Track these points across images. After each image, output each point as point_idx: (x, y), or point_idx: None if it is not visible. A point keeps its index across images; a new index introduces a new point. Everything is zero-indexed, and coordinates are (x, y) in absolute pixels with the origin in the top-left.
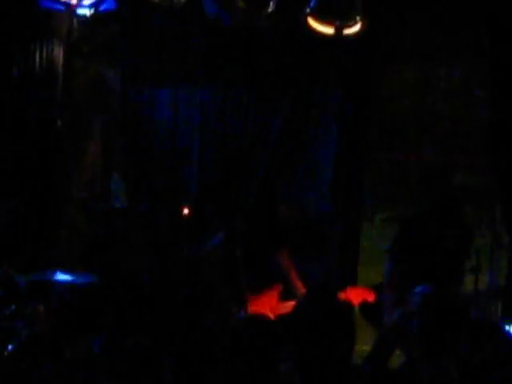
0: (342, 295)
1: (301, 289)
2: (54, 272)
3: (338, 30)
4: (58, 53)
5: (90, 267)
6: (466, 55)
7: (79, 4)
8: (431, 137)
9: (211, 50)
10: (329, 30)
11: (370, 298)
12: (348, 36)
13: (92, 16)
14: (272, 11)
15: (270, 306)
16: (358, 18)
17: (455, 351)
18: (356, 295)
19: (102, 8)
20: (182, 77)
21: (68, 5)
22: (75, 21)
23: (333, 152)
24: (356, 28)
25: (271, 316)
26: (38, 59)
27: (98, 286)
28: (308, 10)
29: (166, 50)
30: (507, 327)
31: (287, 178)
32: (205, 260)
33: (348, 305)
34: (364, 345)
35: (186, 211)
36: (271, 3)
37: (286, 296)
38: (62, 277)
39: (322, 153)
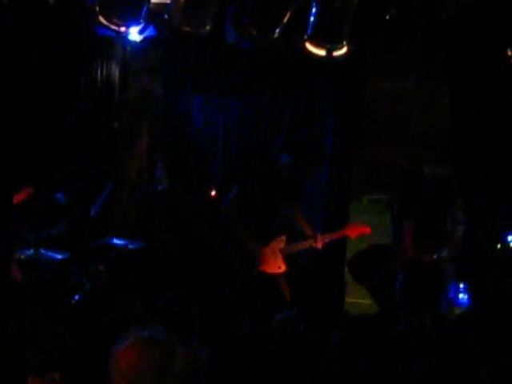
0: (341, 232)
1: (308, 232)
2: (112, 238)
3: (329, 53)
4: (115, 70)
5: (139, 235)
6: (434, 71)
7: (127, 32)
8: (406, 136)
9: (233, 67)
10: (321, 52)
11: (367, 231)
12: (337, 57)
13: (140, 41)
14: (277, 37)
15: (279, 248)
16: (344, 42)
17: (431, 304)
18: (353, 230)
19: (145, 35)
20: (211, 88)
21: (118, 32)
22: (128, 45)
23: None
24: (343, 50)
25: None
26: (99, 75)
27: (146, 250)
28: (305, 36)
29: (198, 67)
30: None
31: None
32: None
33: None
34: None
35: (213, 193)
36: (277, 31)
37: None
38: (117, 242)
39: None
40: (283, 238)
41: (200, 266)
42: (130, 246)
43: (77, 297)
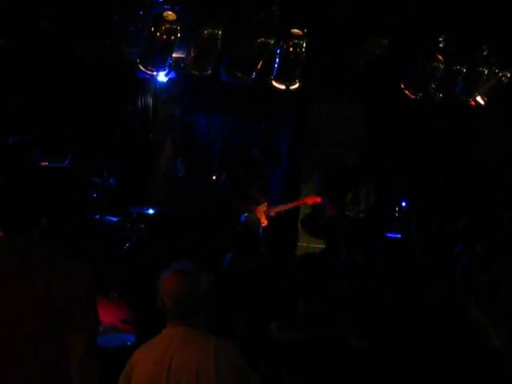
0: (300, 201)
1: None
2: (149, 208)
3: (287, 87)
4: (150, 100)
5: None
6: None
7: (157, 75)
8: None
9: (226, 98)
10: (282, 87)
11: (319, 199)
12: (292, 89)
13: (166, 81)
14: (254, 77)
15: (263, 210)
16: (297, 80)
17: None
18: (310, 200)
19: (169, 76)
20: (211, 111)
21: (151, 75)
22: (157, 83)
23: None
24: (296, 85)
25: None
26: (139, 103)
27: (171, 214)
28: (272, 77)
29: (203, 97)
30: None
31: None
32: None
33: None
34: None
35: (214, 177)
36: (253, 74)
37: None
38: (152, 210)
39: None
40: (265, 204)
41: (207, 220)
42: (161, 213)
43: (127, 244)
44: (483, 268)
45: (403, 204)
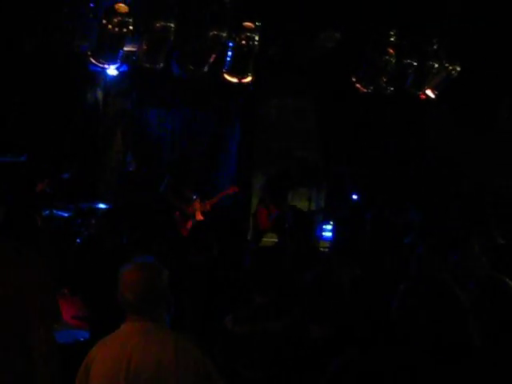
0: (224, 192)
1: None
2: (99, 203)
3: (239, 80)
4: (100, 94)
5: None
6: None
7: (108, 68)
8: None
9: (177, 91)
10: (234, 80)
11: (235, 189)
12: (244, 83)
13: (116, 75)
14: (206, 70)
15: (197, 207)
16: (249, 73)
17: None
18: (232, 189)
19: (120, 69)
20: (162, 105)
21: (103, 68)
22: (107, 77)
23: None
24: (249, 78)
25: None
26: (89, 97)
27: (121, 209)
28: (224, 70)
29: (153, 91)
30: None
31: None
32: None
33: None
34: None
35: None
36: (206, 67)
37: None
38: (102, 205)
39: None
40: (197, 201)
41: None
42: (111, 208)
43: (78, 240)
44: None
45: (354, 197)
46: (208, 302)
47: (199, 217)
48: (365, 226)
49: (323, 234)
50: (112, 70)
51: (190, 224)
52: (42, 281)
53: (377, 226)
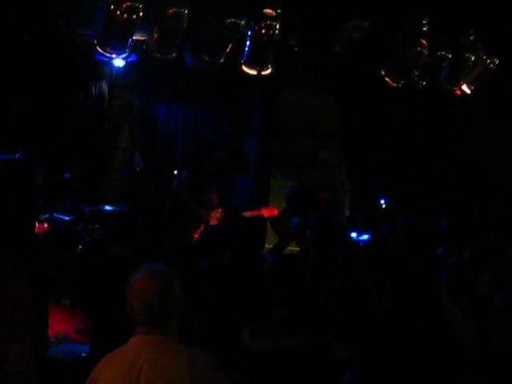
0: (255, 211)
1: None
2: (104, 205)
3: (258, 72)
4: (105, 87)
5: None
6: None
7: (116, 57)
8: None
9: (189, 85)
10: (253, 72)
11: (275, 212)
12: (264, 75)
13: (123, 66)
14: (221, 61)
15: (217, 216)
16: (269, 65)
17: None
18: (266, 211)
19: (129, 59)
20: (172, 99)
21: (110, 58)
22: (114, 68)
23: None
24: (269, 71)
25: None
26: (94, 90)
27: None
28: (242, 61)
29: (164, 84)
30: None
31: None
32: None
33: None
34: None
35: (175, 172)
36: (222, 57)
37: None
38: (107, 208)
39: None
40: (220, 210)
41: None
42: (117, 210)
43: (80, 246)
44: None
45: (382, 202)
46: (223, 314)
47: (213, 221)
48: (396, 234)
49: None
50: (119, 61)
51: (201, 228)
52: (23, 294)
53: (411, 234)
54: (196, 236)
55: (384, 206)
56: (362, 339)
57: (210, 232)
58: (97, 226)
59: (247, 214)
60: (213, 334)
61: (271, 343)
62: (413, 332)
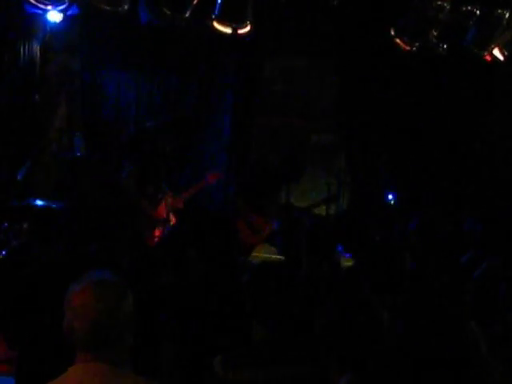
0: (201, 182)
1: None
2: (35, 200)
3: (234, 30)
4: (36, 48)
5: (60, 197)
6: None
7: (52, 9)
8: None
9: (144, 46)
10: (227, 30)
11: (219, 175)
12: (241, 34)
13: (60, 21)
14: (187, 16)
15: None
16: (248, 21)
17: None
18: (211, 178)
19: (68, 12)
20: (123, 64)
21: (45, 10)
22: (48, 26)
23: (229, 119)
24: (247, 29)
25: None
26: (22, 52)
27: (68, 210)
28: (213, 16)
29: (113, 45)
30: None
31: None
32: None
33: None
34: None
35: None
36: (187, 11)
37: None
38: (39, 203)
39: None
40: (169, 195)
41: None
42: (51, 206)
43: (3, 252)
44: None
45: (390, 197)
46: (191, 338)
47: (171, 218)
48: (407, 239)
49: None
50: (55, 14)
51: (158, 231)
52: None
53: (425, 239)
54: (154, 240)
55: (392, 203)
56: (368, 372)
57: (172, 235)
58: (25, 225)
59: (192, 189)
60: (179, 362)
61: (249, 374)
62: (429, 367)
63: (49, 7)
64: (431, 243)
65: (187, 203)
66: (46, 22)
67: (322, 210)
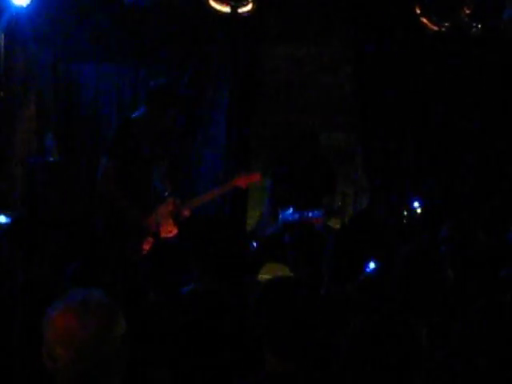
0: (226, 185)
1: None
2: None
3: (234, 9)
4: (0, 38)
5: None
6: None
7: None
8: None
9: (126, 33)
10: (226, 9)
11: (256, 177)
12: (241, 14)
13: (27, 7)
14: None
15: (168, 211)
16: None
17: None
18: (242, 180)
19: None
20: (102, 56)
21: None
22: (13, 10)
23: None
24: (249, 7)
25: None
26: None
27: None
28: None
29: (90, 33)
30: None
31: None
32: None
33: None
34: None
35: None
36: None
37: None
38: (3, 217)
39: (216, 117)
40: (171, 200)
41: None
42: (18, 219)
43: None
44: None
45: (416, 205)
46: (192, 367)
47: (170, 228)
48: (438, 251)
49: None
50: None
51: (150, 241)
52: None
53: (459, 252)
54: (143, 251)
55: (419, 211)
56: None
57: (167, 246)
58: None
59: (211, 194)
60: None
61: None
62: None
63: None
64: (465, 255)
65: (194, 213)
66: (10, 5)
67: (335, 223)
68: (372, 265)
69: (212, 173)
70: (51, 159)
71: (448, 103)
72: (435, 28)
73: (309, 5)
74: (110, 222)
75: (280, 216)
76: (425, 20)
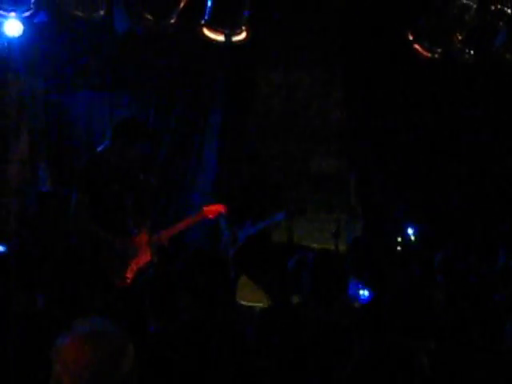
0: (196, 215)
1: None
2: None
3: (228, 38)
4: None
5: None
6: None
7: (15, 16)
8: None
9: (118, 62)
10: (220, 38)
11: (221, 208)
12: (236, 42)
13: (20, 35)
14: (173, 22)
15: (145, 240)
16: (243, 27)
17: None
18: (209, 211)
19: (36, 20)
20: (95, 84)
21: (7, 17)
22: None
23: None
24: (243, 35)
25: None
26: None
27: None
28: (203, 22)
29: (82, 61)
30: None
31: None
32: None
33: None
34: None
35: None
36: (173, 16)
37: None
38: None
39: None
40: (145, 231)
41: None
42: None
43: None
44: None
45: (410, 232)
46: None
47: (146, 256)
48: (432, 277)
49: (361, 292)
50: (14, 26)
51: (132, 269)
52: None
53: (453, 277)
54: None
55: (413, 238)
56: None
57: (158, 277)
58: None
59: (183, 223)
60: None
61: None
62: None
63: (11, 14)
64: (458, 284)
65: (174, 240)
66: (3, 36)
67: (330, 245)
68: (366, 293)
69: (204, 197)
70: (44, 189)
71: (439, 129)
72: (428, 54)
73: (301, 33)
74: (91, 252)
75: (239, 235)
76: (417, 46)
